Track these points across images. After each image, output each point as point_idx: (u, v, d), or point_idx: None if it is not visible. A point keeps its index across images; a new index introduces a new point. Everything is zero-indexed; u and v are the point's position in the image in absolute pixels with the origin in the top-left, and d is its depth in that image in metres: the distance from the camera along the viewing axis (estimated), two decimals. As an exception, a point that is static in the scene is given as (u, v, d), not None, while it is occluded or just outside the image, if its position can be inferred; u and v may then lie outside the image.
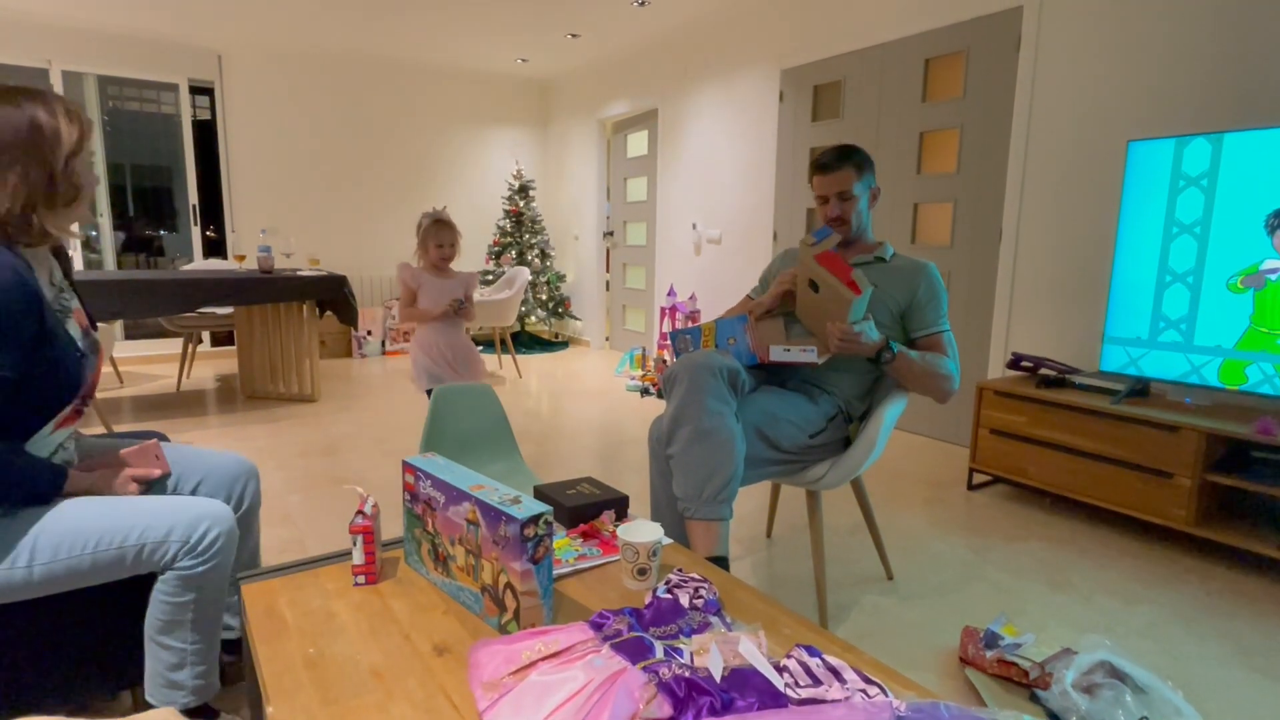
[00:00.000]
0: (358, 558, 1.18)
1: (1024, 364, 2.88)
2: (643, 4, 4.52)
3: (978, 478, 2.98)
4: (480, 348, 6.34)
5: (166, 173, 5.74)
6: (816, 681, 0.86)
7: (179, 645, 1.26)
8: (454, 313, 2.81)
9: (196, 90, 5.59)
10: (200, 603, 1.26)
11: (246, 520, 1.51)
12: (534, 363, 5.79)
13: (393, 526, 2.35)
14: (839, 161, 1.83)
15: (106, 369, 5.11)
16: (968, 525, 2.54)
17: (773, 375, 1.92)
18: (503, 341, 6.27)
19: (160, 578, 1.24)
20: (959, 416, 3.50)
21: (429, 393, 2.88)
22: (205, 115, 5.66)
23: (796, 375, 1.89)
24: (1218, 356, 2.29)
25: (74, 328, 1.27)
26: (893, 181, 3.71)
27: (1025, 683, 1.53)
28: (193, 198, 5.66)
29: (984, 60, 3.27)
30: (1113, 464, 2.42)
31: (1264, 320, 2.19)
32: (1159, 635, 1.83)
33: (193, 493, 1.43)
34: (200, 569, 1.24)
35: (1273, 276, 2.16)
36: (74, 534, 1.18)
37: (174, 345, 5.73)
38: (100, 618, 1.30)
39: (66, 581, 1.19)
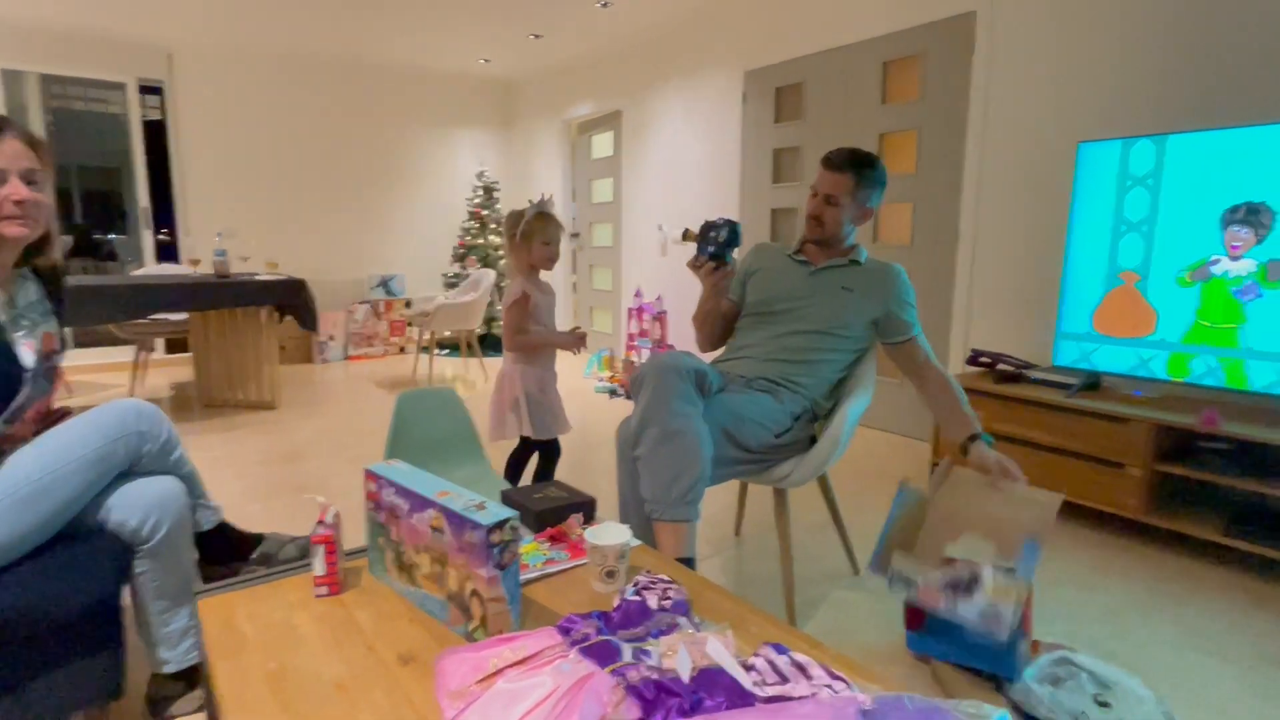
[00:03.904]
0: (319, 568, 1.16)
1: (982, 360, 2.95)
2: (605, 5, 4.51)
3: (940, 472, 3.04)
4: (445, 351, 6.27)
5: (115, 175, 5.55)
6: (783, 679, 0.87)
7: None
8: (578, 344, 2.27)
9: (146, 89, 5.42)
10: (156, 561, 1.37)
11: (170, 546, 1.37)
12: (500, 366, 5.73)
13: (356, 535, 2.31)
14: (844, 166, 1.84)
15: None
16: (931, 519, 2.58)
17: (739, 374, 1.93)
18: (469, 345, 6.19)
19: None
20: (921, 412, 3.57)
21: (528, 442, 2.29)
22: (155, 115, 5.50)
23: (763, 375, 1.90)
24: (1165, 350, 2.37)
25: (22, 349, 1.31)
26: (854, 182, 3.76)
27: (989, 674, 1.56)
28: (143, 200, 5.49)
29: (939, 64, 3.34)
30: (1068, 456, 2.49)
31: (1208, 314, 2.27)
32: (1115, 621, 1.89)
33: (99, 517, 1.32)
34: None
35: (1217, 271, 2.24)
36: (33, 458, 1.25)
37: (125, 353, 5.54)
38: (83, 625, 1.28)
39: (47, 503, 1.22)
